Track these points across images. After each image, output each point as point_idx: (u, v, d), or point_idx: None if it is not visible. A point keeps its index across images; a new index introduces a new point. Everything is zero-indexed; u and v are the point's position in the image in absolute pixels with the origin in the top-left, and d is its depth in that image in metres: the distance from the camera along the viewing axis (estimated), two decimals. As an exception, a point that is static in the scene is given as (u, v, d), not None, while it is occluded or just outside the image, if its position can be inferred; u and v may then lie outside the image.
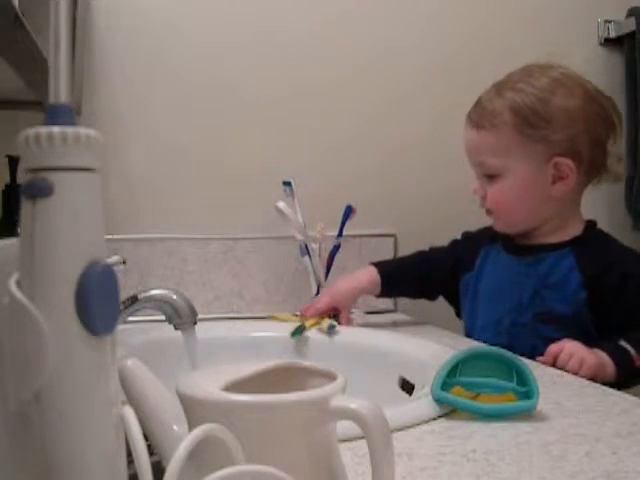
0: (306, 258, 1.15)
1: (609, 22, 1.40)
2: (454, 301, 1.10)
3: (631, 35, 1.37)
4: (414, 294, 1.15)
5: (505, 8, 1.37)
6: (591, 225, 0.99)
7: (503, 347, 0.90)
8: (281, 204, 1.11)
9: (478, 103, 0.98)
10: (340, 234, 1.18)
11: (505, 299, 0.97)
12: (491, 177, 0.96)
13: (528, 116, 0.92)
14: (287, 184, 1.16)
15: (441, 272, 1.09)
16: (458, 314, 1.11)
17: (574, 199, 0.98)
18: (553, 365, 0.81)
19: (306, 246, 1.15)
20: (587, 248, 0.94)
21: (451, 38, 1.34)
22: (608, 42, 1.41)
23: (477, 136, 0.96)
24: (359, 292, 1.08)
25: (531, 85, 0.93)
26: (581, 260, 0.93)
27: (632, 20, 1.36)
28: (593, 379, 0.76)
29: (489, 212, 1.00)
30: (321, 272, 1.16)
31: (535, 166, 0.93)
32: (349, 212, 1.18)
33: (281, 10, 1.28)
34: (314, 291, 1.15)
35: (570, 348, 0.82)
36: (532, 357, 0.84)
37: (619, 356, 0.84)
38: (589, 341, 0.87)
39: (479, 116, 0.96)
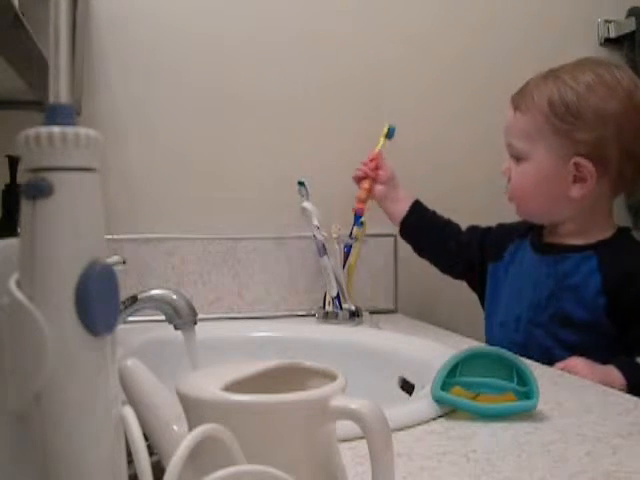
0: (325, 258, 1.15)
1: (609, 22, 1.40)
2: (477, 287, 1.10)
3: (631, 35, 1.37)
4: (433, 250, 1.15)
5: (505, 8, 1.37)
6: (622, 231, 0.97)
7: (519, 345, 0.92)
8: (306, 204, 1.12)
9: (524, 85, 0.98)
10: (351, 234, 1.19)
11: (525, 297, 0.96)
12: (518, 159, 0.96)
13: (560, 109, 0.91)
14: (301, 184, 1.16)
15: (468, 248, 1.09)
16: (482, 303, 1.09)
17: (600, 205, 0.95)
18: None
19: (324, 246, 1.14)
20: (612, 252, 0.92)
21: (452, 40, 1.34)
22: (608, 42, 1.41)
23: (511, 116, 0.97)
24: (396, 181, 1.13)
25: (575, 79, 0.92)
26: (604, 264, 0.90)
27: (632, 20, 1.36)
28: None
29: (511, 199, 1.00)
30: (341, 272, 1.16)
31: (556, 160, 0.92)
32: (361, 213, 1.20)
33: (287, 6, 1.28)
34: (334, 292, 1.15)
35: (572, 367, 0.81)
36: (546, 359, 0.83)
37: (632, 374, 0.82)
38: (609, 350, 0.86)
39: (519, 98, 0.97)
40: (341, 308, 1.14)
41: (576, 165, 0.91)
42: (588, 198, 0.92)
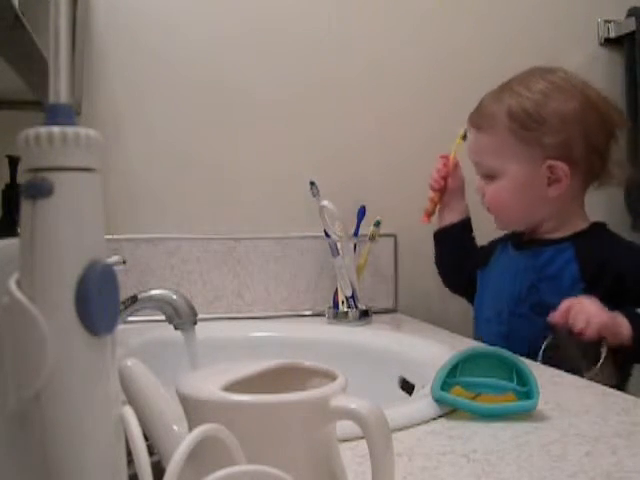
0: (339, 258, 1.15)
1: (609, 22, 1.40)
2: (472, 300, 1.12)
3: (631, 35, 1.37)
4: (450, 269, 1.16)
5: (505, 8, 1.37)
6: (597, 225, 1.00)
7: (503, 336, 0.95)
8: (326, 202, 1.12)
9: (479, 105, 1.01)
10: (356, 234, 1.21)
11: (506, 290, 0.99)
12: (489, 177, 0.99)
13: (522, 119, 0.94)
14: (312, 184, 1.16)
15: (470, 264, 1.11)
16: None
17: (574, 200, 0.98)
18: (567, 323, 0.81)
19: (336, 245, 1.14)
20: (588, 242, 0.95)
21: (452, 39, 1.34)
22: (608, 42, 1.41)
23: (476, 137, 0.99)
24: (462, 192, 1.13)
25: (529, 89, 0.95)
26: (580, 253, 0.93)
27: (632, 20, 1.36)
28: (605, 339, 0.78)
29: (489, 210, 1.02)
30: (353, 272, 1.16)
31: (529, 168, 0.95)
32: (363, 212, 1.23)
33: (289, 5, 1.28)
34: (349, 292, 1.15)
35: (578, 306, 0.82)
36: (530, 348, 0.85)
37: (637, 320, 0.83)
38: None
39: (478, 118, 0.99)
40: (356, 307, 1.14)
41: (550, 168, 0.94)
42: (564, 196, 0.96)
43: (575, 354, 0.81)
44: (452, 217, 1.13)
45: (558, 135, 0.93)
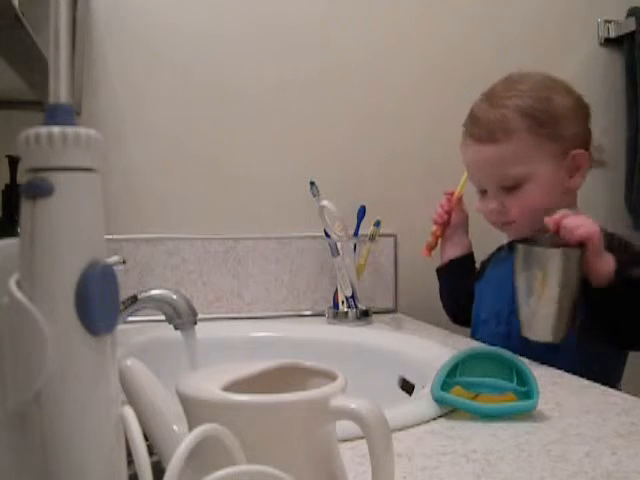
0: (339, 258, 1.15)
1: (609, 22, 1.40)
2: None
3: (631, 35, 1.37)
4: (450, 303, 1.17)
5: (505, 8, 1.37)
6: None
7: (503, 337, 0.94)
8: (325, 202, 1.12)
9: (477, 119, 0.95)
10: (356, 234, 1.21)
11: (506, 291, 0.98)
12: (510, 188, 0.94)
13: (538, 116, 0.91)
14: (312, 184, 1.16)
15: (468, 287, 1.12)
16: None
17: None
18: (557, 231, 0.80)
19: (336, 246, 1.15)
20: None
21: (451, 39, 1.34)
22: (608, 42, 1.41)
23: (494, 150, 0.93)
24: (465, 227, 1.14)
25: (520, 90, 0.94)
26: None
27: (632, 20, 1.36)
28: (585, 247, 0.77)
29: (509, 224, 0.97)
30: (354, 272, 1.16)
31: (555, 164, 0.93)
32: (363, 212, 1.23)
33: (289, 5, 1.28)
34: (349, 292, 1.15)
35: (573, 217, 0.80)
36: (528, 347, 0.84)
37: (623, 261, 0.81)
38: (589, 330, 0.85)
39: (487, 129, 0.93)
40: (356, 307, 1.14)
41: (573, 158, 0.93)
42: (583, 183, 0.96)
43: (546, 245, 0.79)
44: (455, 251, 1.13)
45: (574, 126, 0.93)
